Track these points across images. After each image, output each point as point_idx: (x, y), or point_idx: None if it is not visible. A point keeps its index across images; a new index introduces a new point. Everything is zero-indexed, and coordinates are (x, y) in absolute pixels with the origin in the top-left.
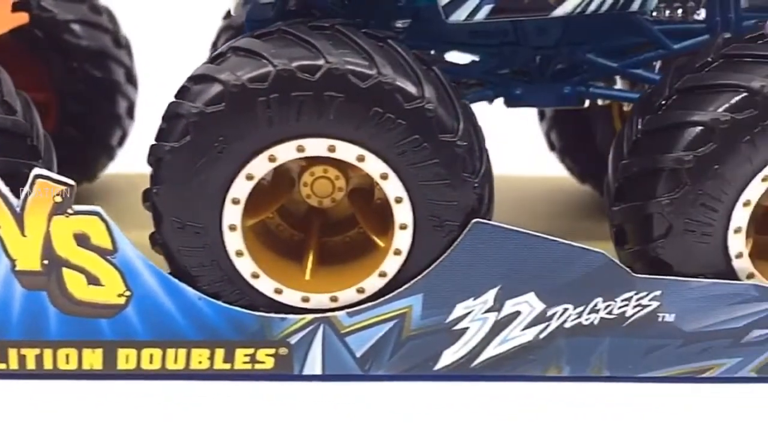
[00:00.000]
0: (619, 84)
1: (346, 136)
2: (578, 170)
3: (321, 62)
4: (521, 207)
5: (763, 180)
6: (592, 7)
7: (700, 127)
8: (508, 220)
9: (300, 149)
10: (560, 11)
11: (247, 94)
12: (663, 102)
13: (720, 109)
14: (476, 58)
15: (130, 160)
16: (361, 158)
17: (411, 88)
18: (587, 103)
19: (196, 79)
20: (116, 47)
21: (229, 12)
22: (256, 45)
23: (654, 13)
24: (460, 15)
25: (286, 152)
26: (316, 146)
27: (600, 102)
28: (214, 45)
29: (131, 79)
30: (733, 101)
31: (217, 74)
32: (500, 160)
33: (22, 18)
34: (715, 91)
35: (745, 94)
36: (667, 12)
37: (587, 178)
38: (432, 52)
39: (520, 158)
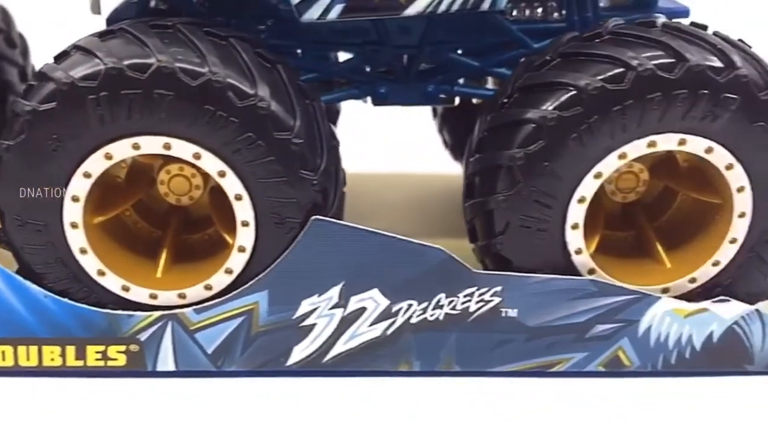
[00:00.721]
0: (491, 83)
1: (180, 134)
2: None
3: (151, 60)
4: (416, 204)
5: (596, 177)
6: (443, 7)
7: (532, 125)
8: (401, 217)
9: (135, 147)
10: (411, 11)
11: (78, 93)
12: (505, 100)
13: (549, 107)
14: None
15: None
16: (197, 156)
17: (244, 86)
18: (457, 101)
19: (37, 76)
20: (9, 47)
21: None
22: (94, 44)
23: (514, 13)
24: (312, 14)
25: (121, 150)
26: (151, 144)
27: (475, 101)
28: None
29: (26, 78)
30: (561, 99)
31: (51, 73)
32: (400, 159)
33: None
34: (547, 89)
35: (572, 92)
36: (527, 11)
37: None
38: (299, 51)
39: (419, 156)
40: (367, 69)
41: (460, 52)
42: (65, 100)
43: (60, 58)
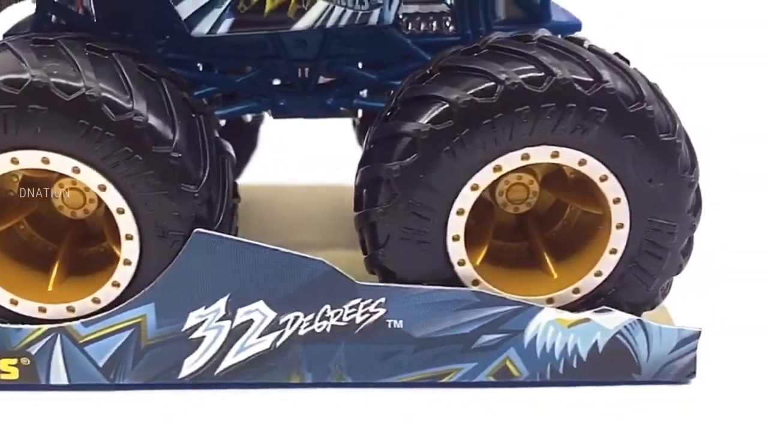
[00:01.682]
0: None
1: (57, 148)
2: None
3: (26, 76)
4: (324, 215)
5: (473, 189)
6: (331, 21)
7: (407, 138)
8: (306, 229)
9: (14, 161)
10: (300, 25)
11: None
12: (388, 113)
13: (423, 121)
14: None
15: None
16: (76, 170)
17: (120, 100)
18: (360, 113)
19: None
20: None
21: None
22: None
23: (409, 26)
24: (202, 28)
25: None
26: (29, 158)
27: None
28: None
29: None
30: (434, 113)
31: None
32: (318, 169)
33: None
34: (422, 103)
35: (444, 105)
36: (422, 25)
37: None
38: (199, 66)
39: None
40: (266, 82)
41: (359, 65)
42: None
43: None
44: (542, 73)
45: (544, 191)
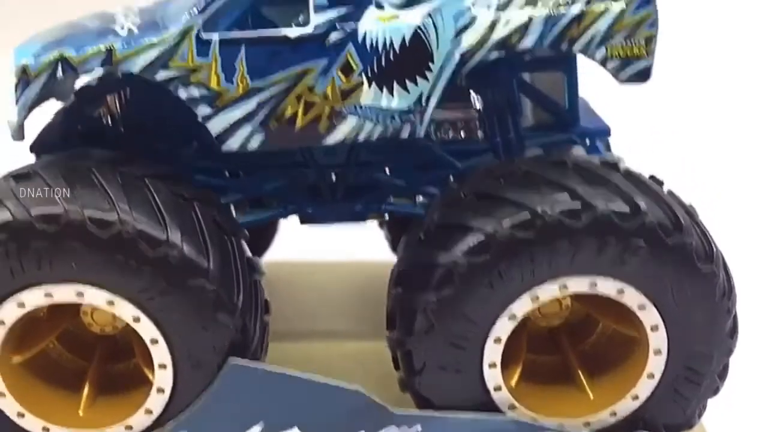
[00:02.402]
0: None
1: (92, 282)
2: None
3: (60, 211)
4: (359, 296)
5: (510, 319)
6: (362, 136)
7: (443, 269)
8: (343, 312)
9: (48, 295)
10: (331, 140)
11: None
12: (422, 236)
13: (459, 253)
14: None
15: None
16: (110, 303)
17: (155, 233)
18: (387, 216)
19: None
20: None
21: None
22: (5, 190)
23: (438, 133)
24: (232, 145)
25: (33, 299)
26: (64, 292)
27: None
28: None
29: None
30: (471, 245)
31: None
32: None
33: None
34: (459, 231)
35: (482, 238)
36: (451, 133)
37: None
38: (226, 173)
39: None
40: (294, 189)
41: (387, 170)
42: None
43: None
44: (580, 206)
45: (576, 304)
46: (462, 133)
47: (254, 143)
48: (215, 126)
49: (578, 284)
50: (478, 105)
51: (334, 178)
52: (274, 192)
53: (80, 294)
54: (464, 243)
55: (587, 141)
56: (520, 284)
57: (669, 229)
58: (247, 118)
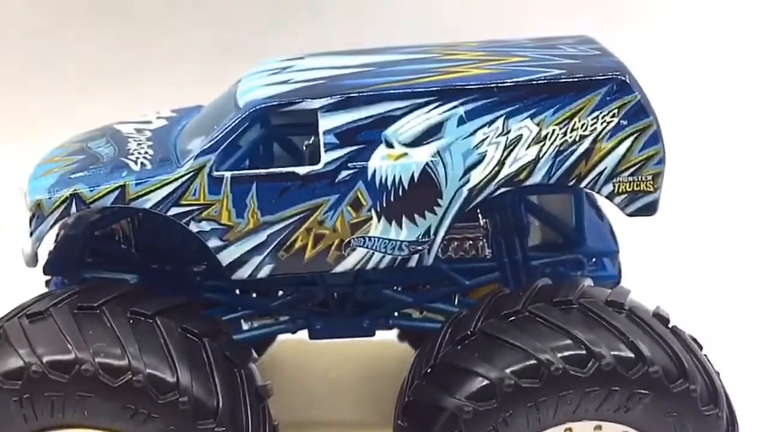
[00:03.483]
0: None
1: (103, 428)
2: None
3: (71, 357)
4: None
5: None
6: (370, 265)
7: (448, 413)
8: (362, 397)
9: None
10: (339, 269)
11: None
12: (428, 370)
13: (464, 397)
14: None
15: None
16: None
17: (165, 379)
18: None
19: None
20: None
21: None
22: (17, 333)
23: (446, 252)
24: (242, 274)
25: None
26: None
27: None
28: None
29: None
30: (475, 389)
31: None
32: None
33: None
34: (464, 374)
35: (487, 384)
36: (459, 251)
37: (404, 338)
38: (237, 291)
39: None
40: (302, 305)
41: (391, 289)
42: None
43: None
44: (584, 353)
45: None
46: (469, 252)
47: (264, 272)
48: (225, 257)
49: (583, 428)
50: (483, 223)
51: (341, 295)
52: (281, 309)
53: None
54: (470, 387)
55: (593, 260)
56: (525, 429)
57: (673, 377)
58: (257, 250)
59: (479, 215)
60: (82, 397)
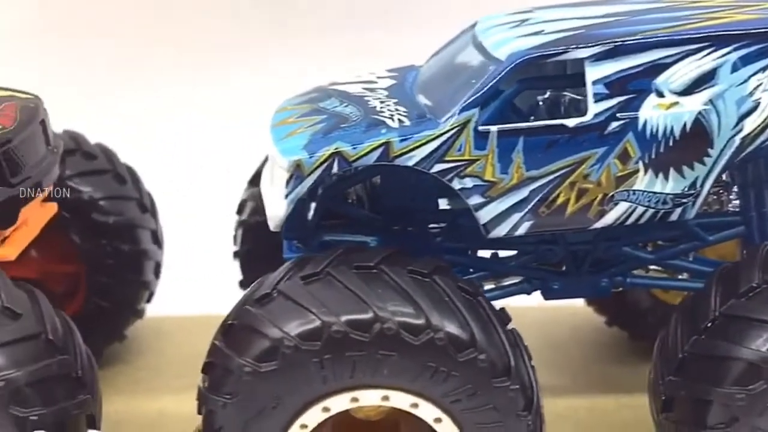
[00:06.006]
0: None
1: (400, 387)
2: (608, 318)
3: (371, 316)
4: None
5: None
6: (631, 220)
7: (747, 364)
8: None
9: (354, 400)
10: (599, 225)
11: (301, 355)
12: (708, 324)
13: (765, 348)
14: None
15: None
16: (414, 405)
17: (462, 337)
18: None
19: (240, 325)
20: (142, 213)
21: (256, 176)
22: (300, 293)
23: None
24: (500, 232)
25: (340, 403)
26: (370, 396)
27: None
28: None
29: (157, 240)
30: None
31: (263, 327)
32: None
33: (52, 209)
34: (758, 326)
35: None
36: (703, 206)
37: (614, 323)
38: (469, 251)
39: None
40: (540, 265)
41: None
42: (287, 360)
43: (262, 300)
44: None
45: None
46: (712, 206)
47: (522, 230)
48: (485, 215)
49: None
50: (725, 177)
51: (580, 253)
52: (517, 269)
53: (386, 398)
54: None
55: None
56: None
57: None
58: (517, 206)
59: None
60: (384, 356)
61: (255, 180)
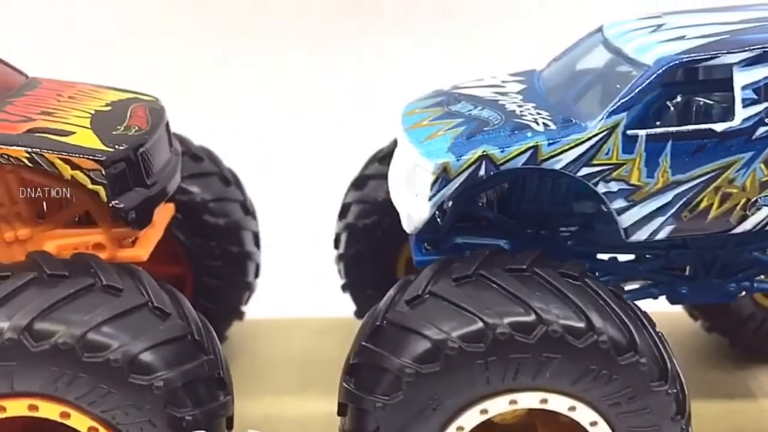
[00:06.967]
0: None
1: (559, 390)
2: (709, 324)
3: (534, 319)
4: None
5: None
6: None
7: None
8: None
9: (512, 402)
10: (739, 229)
11: (464, 356)
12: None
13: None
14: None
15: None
16: (572, 408)
17: (624, 341)
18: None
19: (395, 325)
20: (246, 215)
21: (361, 179)
22: (455, 294)
23: None
24: (640, 236)
25: (498, 406)
26: (528, 399)
27: None
28: (344, 211)
29: (258, 242)
30: None
31: (421, 328)
32: None
33: (171, 210)
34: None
35: None
36: None
37: (714, 329)
38: (598, 256)
39: None
40: (668, 270)
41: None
42: (449, 362)
43: (414, 301)
44: None
45: None
46: None
47: (662, 234)
48: (627, 219)
49: None
50: None
51: (709, 258)
52: (647, 273)
53: (544, 401)
54: None
55: None
56: None
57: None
58: (660, 211)
59: None
60: (548, 359)
61: (359, 183)
